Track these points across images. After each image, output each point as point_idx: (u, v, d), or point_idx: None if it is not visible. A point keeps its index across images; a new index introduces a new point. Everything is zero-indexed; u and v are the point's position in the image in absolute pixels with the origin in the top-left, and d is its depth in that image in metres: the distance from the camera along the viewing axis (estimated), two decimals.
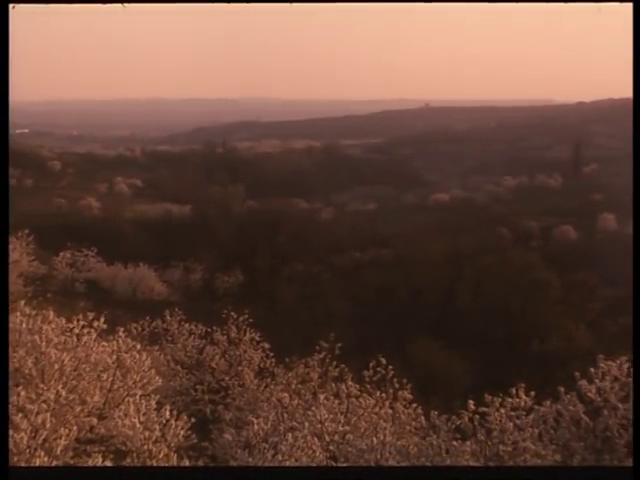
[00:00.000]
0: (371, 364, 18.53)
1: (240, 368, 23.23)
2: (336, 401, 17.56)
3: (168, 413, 14.18)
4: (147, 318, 24.73)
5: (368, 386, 18.06)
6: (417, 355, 43.17)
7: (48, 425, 11.85)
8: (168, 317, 24.71)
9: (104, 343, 14.91)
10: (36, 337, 13.99)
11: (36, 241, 44.40)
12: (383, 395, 17.77)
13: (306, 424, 15.73)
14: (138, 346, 15.47)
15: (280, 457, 14.70)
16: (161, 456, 13.51)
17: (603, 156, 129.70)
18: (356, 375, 18.73)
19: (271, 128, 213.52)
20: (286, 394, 18.92)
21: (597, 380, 15.83)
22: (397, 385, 18.05)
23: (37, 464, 11.22)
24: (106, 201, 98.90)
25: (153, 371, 15.30)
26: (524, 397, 15.77)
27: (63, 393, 13.04)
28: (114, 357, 14.64)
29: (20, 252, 41.03)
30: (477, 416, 15.47)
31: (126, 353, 14.91)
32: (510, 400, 15.69)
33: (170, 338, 24.23)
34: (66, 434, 12.12)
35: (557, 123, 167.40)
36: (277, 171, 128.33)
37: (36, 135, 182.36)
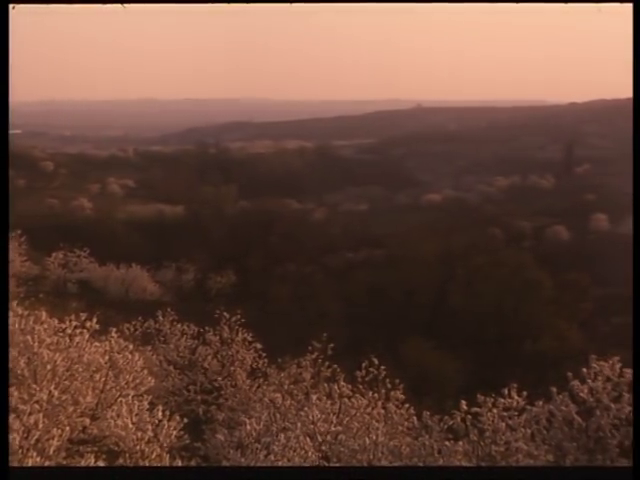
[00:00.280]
0: (363, 364, 18.56)
1: (233, 368, 23.25)
2: (328, 401, 17.55)
3: (161, 413, 14.18)
4: (139, 318, 24.80)
5: (360, 386, 18.08)
6: (409, 355, 43.13)
7: (40, 426, 11.84)
8: (161, 317, 24.77)
9: (96, 343, 14.90)
10: (28, 337, 13.98)
11: (29, 242, 44.41)
12: (375, 395, 17.78)
13: (298, 424, 15.74)
14: (130, 346, 15.49)
15: (272, 457, 14.70)
16: (154, 456, 13.50)
17: (595, 156, 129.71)
18: (348, 375, 18.73)
19: (264, 128, 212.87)
20: (279, 394, 18.92)
21: (589, 380, 15.86)
22: (389, 385, 18.07)
23: (30, 465, 11.20)
24: (98, 201, 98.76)
25: (146, 371, 15.30)
26: (516, 397, 15.80)
27: (55, 393, 13.03)
28: (106, 357, 14.64)
29: (13, 252, 40.99)
30: (469, 416, 15.50)
31: (119, 353, 14.91)
32: (502, 400, 15.72)
33: (163, 338, 24.26)
34: (59, 435, 12.11)
35: (549, 123, 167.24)
36: (270, 171, 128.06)
37: (29, 136, 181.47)
